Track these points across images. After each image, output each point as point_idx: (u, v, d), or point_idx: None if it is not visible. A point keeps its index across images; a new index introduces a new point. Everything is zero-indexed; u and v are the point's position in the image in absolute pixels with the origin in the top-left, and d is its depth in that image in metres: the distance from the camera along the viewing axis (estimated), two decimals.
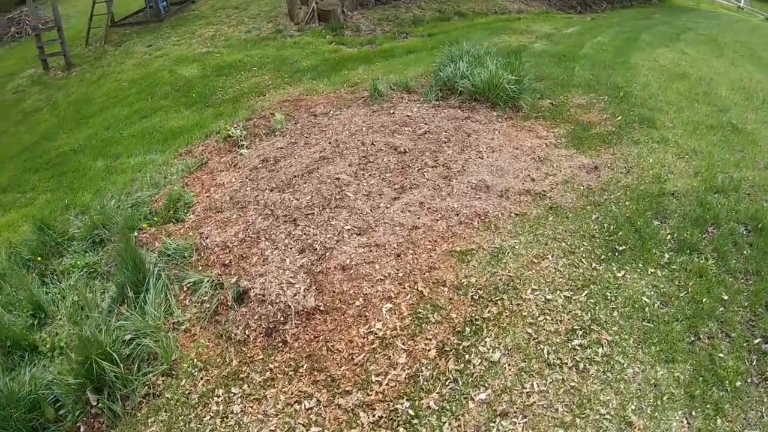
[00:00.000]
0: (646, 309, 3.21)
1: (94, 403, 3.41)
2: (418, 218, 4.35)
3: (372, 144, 5.59)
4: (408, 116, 6.25)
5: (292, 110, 7.49)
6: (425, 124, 5.95)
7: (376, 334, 3.50)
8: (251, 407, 3.31)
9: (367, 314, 3.65)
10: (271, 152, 6.14)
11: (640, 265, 3.57)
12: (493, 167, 4.96)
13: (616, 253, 3.68)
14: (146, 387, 3.57)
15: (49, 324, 4.58)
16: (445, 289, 3.62)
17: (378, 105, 6.90)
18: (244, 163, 6.24)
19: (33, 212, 6.80)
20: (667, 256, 3.64)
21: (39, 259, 5.46)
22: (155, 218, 5.75)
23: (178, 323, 4.10)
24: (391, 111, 6.51)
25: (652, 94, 6.71)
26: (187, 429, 3.24)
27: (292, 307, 3.88)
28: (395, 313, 3.57)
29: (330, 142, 5.89)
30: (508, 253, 3.83)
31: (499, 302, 3.41)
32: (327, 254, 4.27)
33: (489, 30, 10.62)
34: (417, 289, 3.69)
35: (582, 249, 3.76)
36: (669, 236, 3.84)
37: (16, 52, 12.52)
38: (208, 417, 3.30)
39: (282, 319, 3.83)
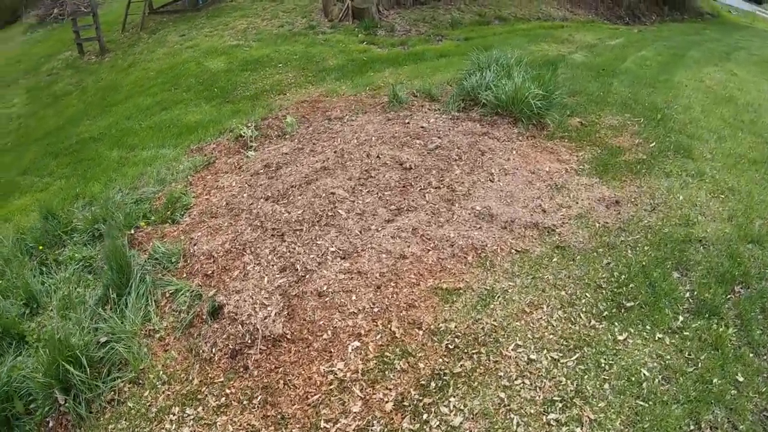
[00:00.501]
0: (644, 384, 2.74)
1: (62, 402, 3.39)
2: (408, 246, 3.98)
3: (377, 157, 5.24)
4: (423, 128, 5.87)
5: (309, 112, 7.22)
6: (438, 137, 5.55)
7: (336, 374, 3.19)
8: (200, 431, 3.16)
9: (332, 350, 3.35)
10: (275, 157, 5.88)
11: (647, 327, 3.09)
12: (502, 192, 4.53)
13: (622, 310, 3.21)
14: (112, 392, 3.49)
15: (41, 314, 4.52)
16: (420, 332, 3.25)
17: (395, 112, 6.54)
18: (248, 166, 6.01)
19: (46, 198, 6.78)
20: (681, 318, 3.15)
21: (41, 247, 5.42)
22: (153, 217, 5.61)
23: (154, 330, 3.97)
24: (407, 121, 6.14)
25: (693, 118, 6.10)
26: None
27: (260, 330, 3.65)
28: (361, 354, 3.25)
29: (335, 151, 5.58)
30: (499, 297, 3.42)
31: (475, 356, 3.01)
32: (306, 276, 3.99)
33: (529, 37, 10.06)
34: (390, 329, 3.35)
35: (583, 301, 3.30)
36: (688, 294, 3.34)
37: (57, 34, 12.75)
38: (163, 430, 3.21)
39: (249, 342, 3.62)
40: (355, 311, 3.58)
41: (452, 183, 4.69)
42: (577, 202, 4.35)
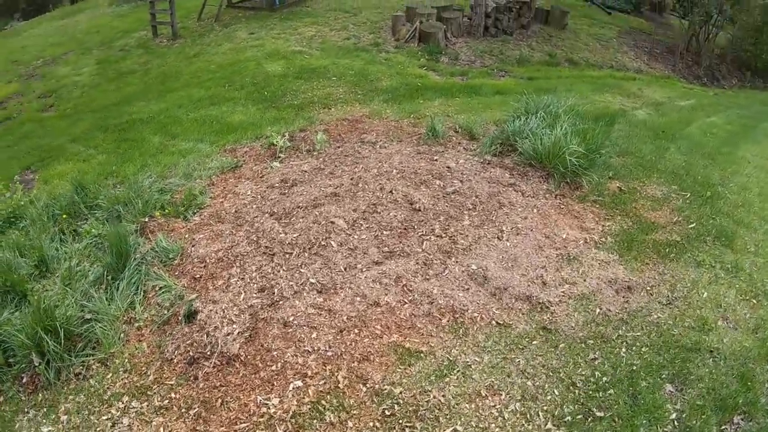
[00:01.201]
0: None
1: (36, 364, 3.60)
2: (386, 294, 3.77)
3: (390, 192, 5.05)
4: (448, 167, 5.63)
5: (346, 131, 7.13)
6: (460, 181, 5.29)
7: (269, 409, 3.13)
8: (136, 426, 3.25)
9: (275, 383, 3.29)
10: (294, 173, 5.81)
11: None
12: (506, 254, 4.22)
13: (589, 420, 2.85)
14: (81, 367, 3.65)
15: (48, 278, 4.74)
16: (364, 389, 3.07)
17: (428, 146, 6.33)
18: (268, 177, 5.97)
19: (85, 169, 7.06)
20: None
21: (64, 216, 5.63)
22: (168, 209, 5.68)
23: (134, 319, 4.11)
24: (435, 157, 5.91)
25: (746, 201, 5.52)
26: (86, 420, 3.31)
27: (219, 345, 3.67)
28: (299, 395, 3.15)
29: (352, 178, 5.44)
30: (459, 371, 3.15)
31: (407, 430, 2.75)
32: (279, 302, 3.94)
33: (595, 85, 9.56)
34: (336, 377, 3.22)
35: (549, 398, 2.97)
36: (674, 415, 2.93)
37: (139, 11, 13.37)
38: (105, 417, 3.32)
39: (207, 353, 3.66)
40: (310, 350, 3.48)
41: (456, 234, 4.42)
42: (584, 280, 3.97)
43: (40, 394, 3.52)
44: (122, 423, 3.26)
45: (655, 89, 9.63)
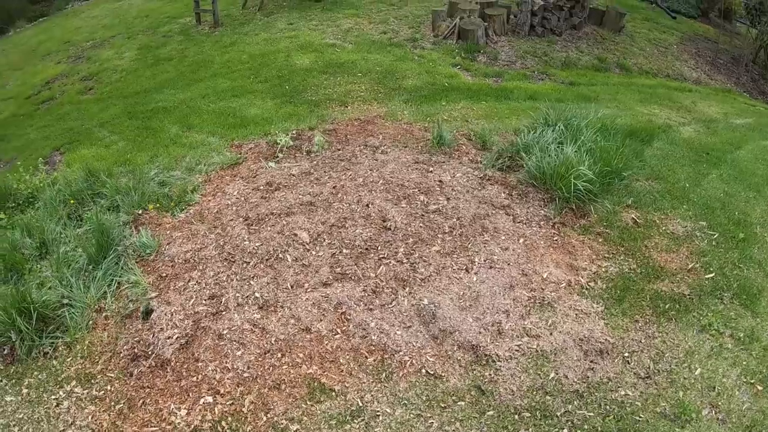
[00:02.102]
0: None
1: (13, 339, 3.84)
2: (320, 321, 3.50)
3: (366, 205, 4.72)
4: (440, 182, 5.21)
5: (353, 133, 6.82)
6: (447, 199, 4.87)
7: (174, 420, 3.09)
8: (72, 411, 3.36)
9: (189, 394, 3.25)
10: (281, 177, 5.59)
11: None
12: (468, 290, 3.79)
13: None
14: (50, 348, 3.85)
15: (46, 260, 4.91)
16: (264, 418, 2.94)
17: (429, 155, 5.91)
18: (258, 178, 5.78)
19: (103, 155, 7.19)
20: None
21: (72, 201, 5.75)
22: (160, 204, 5.65)
23: (104, 309, 4.22)
24: (431, 169, 5.50)
25: None
26: (40, 396, 3.49)
27: (158, 348, 3.68)
28: (204, 411, 3.09)
29: (334, 187, 5.14)
30: (363, 421, 2.86)
31: None
32: (222, 313, 3.83)
33: (643, 94, 8.67)
34: (242, 401, 3.10)
35: None
36: None
37: None
38: (53, 397, 3.48)
39: (148, 353, 3.70)
40: (230, 368, 3.37)
41: (419, 261, 4.02)
42: (550, 333, 3.46)
43: (12, 367, 3.72)
44: (62, 405, 3.40)
45: (711, 103, 8.60)
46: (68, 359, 3.76)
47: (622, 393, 3.07)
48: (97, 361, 3.73)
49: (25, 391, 3.57)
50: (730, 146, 6.94)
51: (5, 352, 3.91)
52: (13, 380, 3.66)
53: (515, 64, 9.61)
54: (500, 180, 5.36)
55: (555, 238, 4.52)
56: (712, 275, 4.27)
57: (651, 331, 3.59)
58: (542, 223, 4.70)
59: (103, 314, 4.15)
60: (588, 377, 3.11)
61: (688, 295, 4.02)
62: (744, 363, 3.41)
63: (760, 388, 3.24)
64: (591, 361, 3.24)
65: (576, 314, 3.64)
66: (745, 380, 3.29)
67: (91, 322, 4.07)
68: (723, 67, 10.18)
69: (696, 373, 3.28)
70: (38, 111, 9.31)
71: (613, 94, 8.62)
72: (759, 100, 9.60)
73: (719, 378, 3.27)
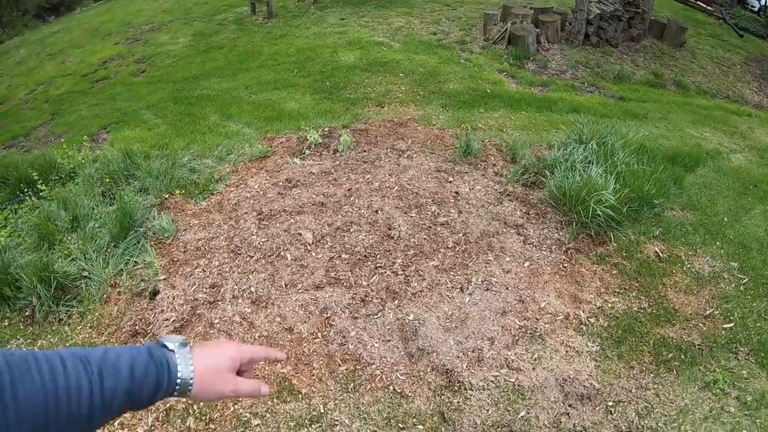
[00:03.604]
0: None
1: (34, 303, 4.16)
2: (304, 323, 3.52)
3: (375, 211, 4.68)
4: (456, 193, 5.10)
5: (383, 134, 6.79)
6: (458, 212, 4.76)
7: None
8: None
9: None
10: (301, 174, 5.63)
11: None
12: (458, 311, 3.69)
13: None
14: (66, 315, 4.09)
15: (77, 233, 5.19)
16: (231, 408, 3.04)
17: (452, 164, 5.80)
18: (281, 173, 5.86)
19: (145, 137, 7.50)
20: None
21: (108, 180, 6.05)
22: (187, 189, 5.85)
23: (118, 285, 4.43)
24: (450, 179, 5.40)
25: None
26: None
27: (156, 327, 3.81)
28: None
29: (349, 189, 5.14)
30: (322, 427, 2.87)
31: None
32: (218, 302, 3.93)
33: (696, 116, 8.14)
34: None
35: None
36: None
37: None
38: None
39: (147, 331, 3.82)
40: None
41: (414, 274, 3.95)
42: (533, 369, 3.31)
43: (30, 328, 4.01)
44: None
45: None
46: (78, 327, 4.01)
47: None
48: (103, 332, 3.94)
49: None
50: None
51: (27, 313, 4.22)
52: (29, 340, 3.95)
53: (565, 74, 9.27)
54: (520, 197, 5.19)
55: (564, 265, 4.33)
56: (731, 325, 3.94)
57: (645, 381, 3.35)
58: (554, 247, 4.51)
59: (117, 289, 4.37)
60: (561, 422, 2.94)
61: (698, 345, 3.72)
62: (747, 429, 3.12)
63: None
64: (569, 405, 3.06)
65: (566, 351, 3.46)
66: None
67: (105, 295, 4.30)
68: None
69: None
70: (92, 89, 9.81)
71: (665, 113, 8.15)
72: None
73: None
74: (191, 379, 0.93)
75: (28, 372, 0.76)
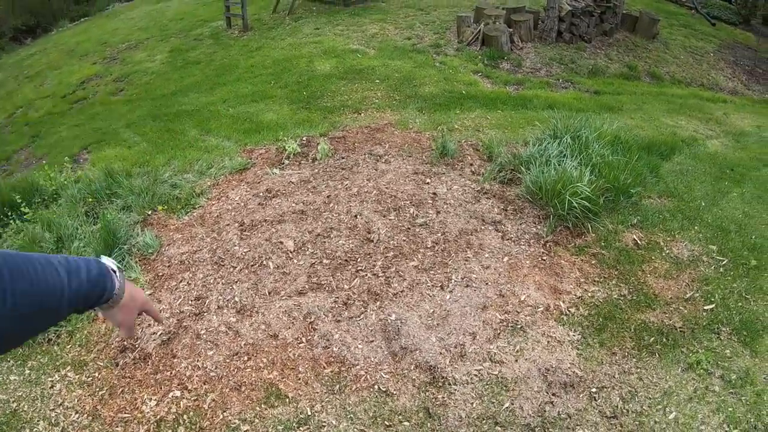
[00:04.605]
0: None
1: None
2: (289, 329, 3.57)
3: (354, 216, 4.72)
4: (434, 194, 5.15)
5: (361, 141, 6.83)
6: (436, 213, 4.80)
7: (144, 408, 3.25)
8: (63, 392, 3.58)
9: (162, 387, 3.42)
10: (280, 184, 5.66)
11: None
12: (439, 308, 3.72)
13: None
14: (54, 335, 4.12)
15: (62, 254, 5.15)
16: (220, 416, 3.03)
17: (429, 166, 5.85)
18: (261, 184, 5.87)
19: (126, 155, 7.49)
20: None
21: (90, 200, 6.04)
22: (169, 205, 5.86)
23: None
24: (428, 180, 5.44)
25: None
26: (38, 378, 3.75)
27: (143, 341, 3.85)
28: (170, 404, 3.23)
29: (329, 196, 5.17)
30: (310, 429, 2.92)
31: None
32: (204, 314, 3.95)
33: (672, 105, 8.28)
34: (205, 398, 3.22)
35: None
36: None
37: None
38: (49, 379, 3.72)
39: (135, 346, 3.86)
40: (200, 366, 3.50)
41: (395, 275, 3.99)
42: (516, 360, 3.35)
43: (20, 349, 4.00)
44: (55, 387, 3.65)
45: (744, 116, 8.13)
46: (68, 346, 4.02)
47: None
48: (92, 350, 3.96)
49: (27, 372, 3.85)
50: (758, 162, 6.54)
51: None
52: (19, 361, 3.97)
53: (539, 72, 9.39)
54: (497, 194, 5.25)
55: (543, 258, 4.38)
56: (711, 306, 4.01)
57: (628, 366, 3.39)
58: (532, 241, 4.56)
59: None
60: (545, 411, 2.98)
61: (680, 327, 3.78)
62: (730, 409, 3.14)
63: None
64: (553, 394, 3.10)
65: (548, 341, 3.50)
66: (726, 430, 3.02)
67: (92, 313, 4.25)
68: (762, 77, 9.62)
69: (670, 417, 3.07)
70: (71, 110, 9.78)
71: (640, 104, 8.28)
72: None
73: (696, 425, 3.03)
74: (123, 292, 1.20)
75: (20, 272, 0.93)
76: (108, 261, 1.19)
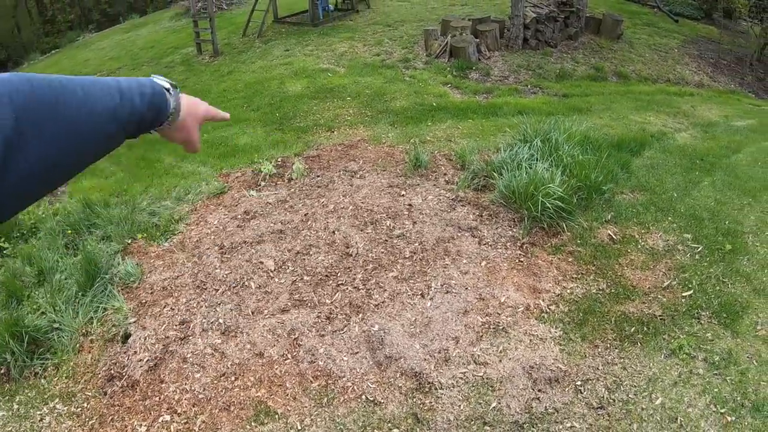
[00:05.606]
0: None
1: (9, 361, 4.16)
2: (273, 346, 3.60)
3: (332, 232, 4.74)
4: (410, 206, 5.20)
5: (336, 158, 6.87)
6: (413, 223, 4.85)
7: None
8: (53, 425, 3.56)
9: (151, 413, 3.41)
10: (258, 206, 5.67)
11: None
12: (420, 316, 3.75)
13: None
14: (41, 368, 4.10)
15: (43, 287, 5.12)
16: None
17: (404, 179, 5.90)
18: (239, 207, 5.87)
19: (103, 186, 7.43)
20: None
21: (69, 232, 5.99)
22: (146, 234, 5.82)
23: (90, 333, 4.43)
24: (403, 193, 5.50)
25: None
26: (27, 412, 3.73)
27: (130, 369, 3.84)
28: (160, 430, 3.23)
29: (306, 214, 5.19)
30: None
31: None
32: (189, 338, 3.95)
33: (639, 102, 8.49)
34: (195, 420, 3.22)
35: None
36: None
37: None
38: (38, 412, 3.71)
39: (122, 374, 3.85)
40: (188, 389, 3.50)
41: (375, 287, 4.01)
42: (500, 360, 3.38)
43: (6, 385, 3.99)
44: (45, 420, 3.65)
45: (711, 107, 8.36)
46: (55, 379, 4.01)
47: (568, 425, 2.96)
48: (79, 381, 3.95)
49: (15, 406, 3.82)
50: (728, 150, 6.72)
51: (2, 371, 4.20)
52: (7, 397, 3.93)
53: (508, 79, 9.57)
54: (472, 201, 5.32)
55: (521, 260, 4.44)
56: (689, 293, 4.09)
57: (611, 357, 3.45)
58: (509, 244, 4.62)
59: (89, 338, 4.37)
60: (532, 407, 3.01)
61: (660, 315, 3.85)
62: (715, 390, 3.19)
63: (730, 418, 3.00)
64: (538, 390, 3.14)
65: (530, 340, 3.54)
66: (714, 410, 3.08)
67: (77, 344, 4.30)
68: (726, 68, 9.91)
69: (656, 403, 3.12)
70: None
71: (608, 104, 8.48)
72: (765, 99, 9.27)
73: (683, 408, 3.09)
74: (179, 113, 1.12)
75: (71, 94, 0.85)
76: (161, 80, 1.09)
